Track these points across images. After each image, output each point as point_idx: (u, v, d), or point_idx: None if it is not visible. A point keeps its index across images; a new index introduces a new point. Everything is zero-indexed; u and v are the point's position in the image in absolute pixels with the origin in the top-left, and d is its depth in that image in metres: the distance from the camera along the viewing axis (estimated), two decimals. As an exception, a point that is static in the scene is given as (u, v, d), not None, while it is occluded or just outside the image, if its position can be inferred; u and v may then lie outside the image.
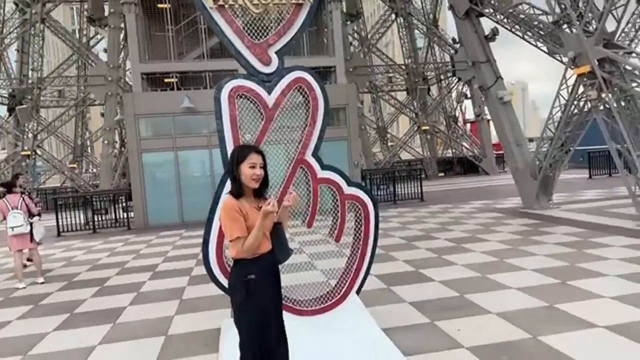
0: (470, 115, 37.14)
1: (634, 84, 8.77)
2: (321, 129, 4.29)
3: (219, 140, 4.13)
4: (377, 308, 5.10)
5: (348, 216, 4.38)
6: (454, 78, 28.62)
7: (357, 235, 4.43)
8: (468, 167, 29.33)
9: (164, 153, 14.25)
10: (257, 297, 2.79)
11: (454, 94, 32.68)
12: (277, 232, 2.89)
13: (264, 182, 2.90)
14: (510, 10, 11.50)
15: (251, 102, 4.14)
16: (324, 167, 4.31)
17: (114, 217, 14.73)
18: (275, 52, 4.15)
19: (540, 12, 10.83)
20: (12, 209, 7.61)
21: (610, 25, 9.33)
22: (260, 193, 2.91)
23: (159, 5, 15.08)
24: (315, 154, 4.30)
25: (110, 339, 4.93)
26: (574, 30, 9.51)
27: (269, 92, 4.16)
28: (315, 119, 4.24)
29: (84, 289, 7.13)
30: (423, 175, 23.55)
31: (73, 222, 13.99)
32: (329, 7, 15.90)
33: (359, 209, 4.37)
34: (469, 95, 30.77)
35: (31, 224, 7.78)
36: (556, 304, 4.93)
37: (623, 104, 9.11)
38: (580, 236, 8.30)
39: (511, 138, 12.66)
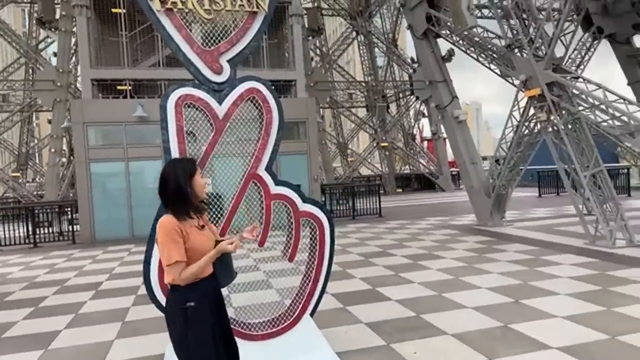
0: (427, 133, 38.10)
1: (580, 107, 9.15)
2: (275, 142, 4.10)
3: (163, 151, 3.86)
4: (332, 329, 4.90)
5: (303, 232, 4.18)
6: (412, 96, 29.25)
7: (312, 254, 4.24)
8: (425, 183, 29.95)
9: (114, 163, 13.60)
10: (196, 328, 2.52)
11: (411, 112, 33.43)
12: (222, 256, 2.64)
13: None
14: (465, 33, 11.83)
15: (200, 112, 3.90)
16: (277, 182, 4.11)
17: (58, 230, 13.86)
18: (227, 61, 3.94)
19: (494, 36, 11.21)
20: None
21: (558, 51, 9.76)
22: (201, 209, 2.68)
23: (113, 10, 14.51)
24: (268, 169, 4.10)
25: (39, 367, 4.47)
26: (525, 55, 9.86)
27: (220, 102, 3.94)
28: (269, 132, 4.05)
29: (16, 310, 6.53)
30: (382, 191, 23.80)
31: (13, 235, 13.02)
32: (290, 21, 15.87)
33: (314, 226, 4.18)
34: (426, 114, 31.59)
35: None
36: (511, 323, 4.91)
37: (570, 126, 9.48)
38: (531, 254, 8.47)
39: (466, 157, 12.94)
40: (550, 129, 9.83)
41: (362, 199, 16.68)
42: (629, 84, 13.91)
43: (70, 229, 13.67)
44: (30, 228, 13.28)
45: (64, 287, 7.87)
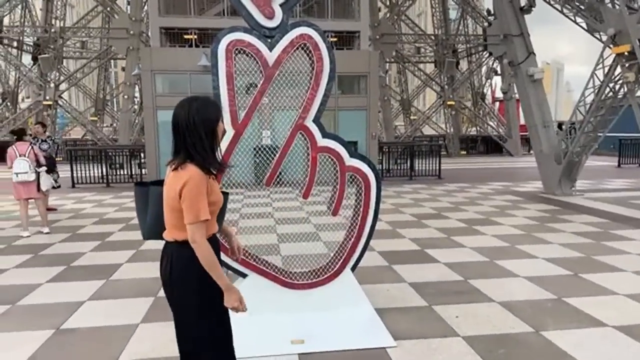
0: (499, 93, 35.77)
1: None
2: (325, 93, 3.95)
3: (214, 97, 3.85)
4: (374, 286, 4.89)
5: (348, 190, 4.10)
6: (485, 53, 27.42)
7: (357, 210, 4.15)
8: (492, 146, 28.54)
9: (180, 111, 14.06)
10: (214, 291, 2.19)
11: (483, 70, 31.43)
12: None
13: None
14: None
15: (251, 58, 3.82)
16: (325, 135, 4.01)
17: (129, 172, 14.77)
18: (280, 5, 3.78)
19: (583, -16, 10.02)
20: (20, 156, 7.57)
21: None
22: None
23: (182, -43, 14.58)
24: (317, 121, 3.99)
25: (100, 295, 4.85)
26: (617, 6, 8.75)
27: (270, 49, 3.84)
28: (318, 81, 3.90)
29: (86, 242, 7.11)
30: (444, 152, 22.98)
31: (89, 174, 14.06)
32: (358, -32, 15.15)
33: (360, 182, 4.08)
34: (499, 72, 29.56)
35: (38, 173, 7.75)
36: (565, 297, 4.63)
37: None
38: (600, 227, 7.87)
39: (538, 119, 12.04)
40: (638, 93, 8.81)
41: (422, 159, 16.17)
42: None
43: (140, 172, 14.51)
44: (104, 169, 14.25)
45: (129, 225, 8.43)
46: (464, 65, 31.44)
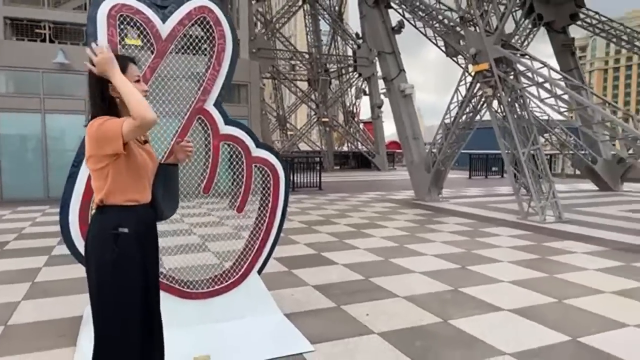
0: (365, 113, 38.25)
1: (525, 85, 9.33)
2: (227, 75, 3.55)
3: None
4: (278, 292, 4.52)
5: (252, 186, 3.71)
6: (355, 73, 29.12)
7: (263, 206, 3.78)
8: (361, 161, 30.25)
9: (29, 115, 12.07)
10: (126, 263, 2.00)
11: (353, 90, 33.33)
12: (167, 175, 2.20)
13: None
14: (417, 3, 11.66)
15: (138, 29, 3.25)
16: (228, 122, 3.59)
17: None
18: (175, -30, 3.32)
19: (446, 9, 11.13)
20: None
21: (507, 28, 9.85)
22: None
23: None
24: (218, 105, 3.56)
25: None
26: (477, 29, 9.86)
27: (163, 21, 3.32)
28: (220, 60, 3.49)
29: None
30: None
31: None
32: (235, -26, 14.86)
33: (268, 174, 3.73)
34: (367, 92, 31.59)
35: None
36: (460, 287, 4.81)
37: (513, 102, 9.66)
38: (470, 226, 8.59)
39: (409, 131, 12.95)
40: (494, 106, 9.96)
41: (302, 173, 16.43)
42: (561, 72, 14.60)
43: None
44: None
45: None
46: (335, 86, 32.97)
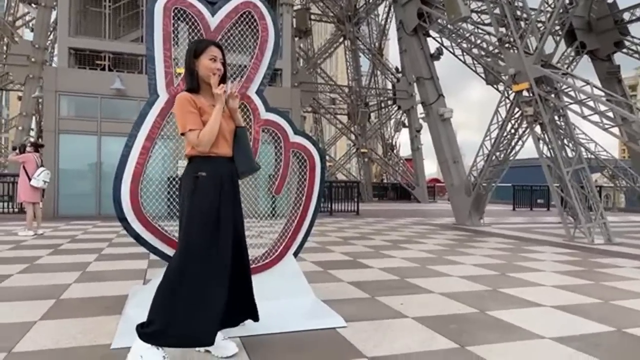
0: (404, 152, 38.20)
1: (567, 103, 9.19)
2: (269, 65, 3.80)
3: (147, 60, 3.51)
4: (312, 285, 4.56)
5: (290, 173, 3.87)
6: (394, 106, 29.42)
7: (300, 190, 3.92)
8: (401, 193, 29.97)
9: (86, 137, 12.96)
10: (202, 199, 2.56)
11: (392, 123, 33.55)
12: (238, 136, 2.72)
13: (223, 80, 2.73)
14: (455, 29, 11.87)
15: (191, 21, 3.58)
16: (268, 109, 3.81)
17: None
18: (225, -31, 3.66)
19: (484, 33, 11.26)
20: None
21: (547, 49, 9.82)
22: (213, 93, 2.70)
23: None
24: (260, 94, 3.80)
25: None
26: (515, 50, 9.90)
27: (213, 14, 3.64)
28: (263, 50, 3.75)
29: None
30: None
31: None
32: (280, 10, 15.68)
33: (304, 160, 3.88)
34: (406, 124, 31.72)
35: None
36: (499, 288, 4.69)
37: (556, 121, 9.50)
38: (513, 245, 8.36)
39: (448, 155, 12.88)
40: (535, 126, 9.82)
41: (340, 201, 16.57)
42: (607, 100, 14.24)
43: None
44: None
45: (20, 245, 7.28)
46: (374, 118, 33.35)
